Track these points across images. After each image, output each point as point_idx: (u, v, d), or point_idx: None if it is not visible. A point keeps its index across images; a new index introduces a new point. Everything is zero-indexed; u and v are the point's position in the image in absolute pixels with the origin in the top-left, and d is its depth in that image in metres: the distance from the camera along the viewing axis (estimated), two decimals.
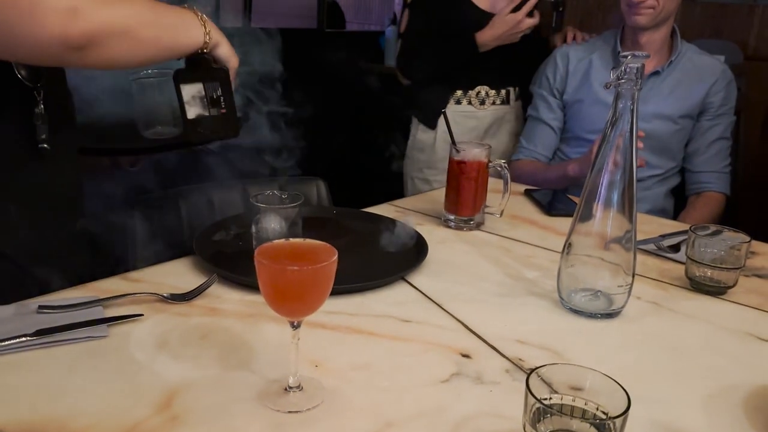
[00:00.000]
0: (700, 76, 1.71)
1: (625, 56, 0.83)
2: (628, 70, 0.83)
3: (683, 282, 1.03)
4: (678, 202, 1.80)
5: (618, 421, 0.54)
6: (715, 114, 1.71)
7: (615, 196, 0.87)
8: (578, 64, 1.79)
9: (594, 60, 1.77)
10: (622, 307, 0.91)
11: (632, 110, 0.84)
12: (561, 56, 1.82)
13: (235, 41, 0.92)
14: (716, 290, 1.00)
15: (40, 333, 0.75)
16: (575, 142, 1.79)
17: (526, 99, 1.97)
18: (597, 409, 0.59)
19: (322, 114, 3.06)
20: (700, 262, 1.00)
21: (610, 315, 0.91)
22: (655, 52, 1.67)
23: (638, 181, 0.88)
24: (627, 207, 0.87)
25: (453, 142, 1.23)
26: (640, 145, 1.39)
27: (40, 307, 0.82)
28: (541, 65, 1.88)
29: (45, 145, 0.89)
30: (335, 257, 0.65)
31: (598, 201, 0.88)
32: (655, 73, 1.69)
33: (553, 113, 1.83)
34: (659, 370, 0.80)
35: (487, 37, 1.78)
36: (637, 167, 0.87)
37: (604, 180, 0.87)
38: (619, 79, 0.84)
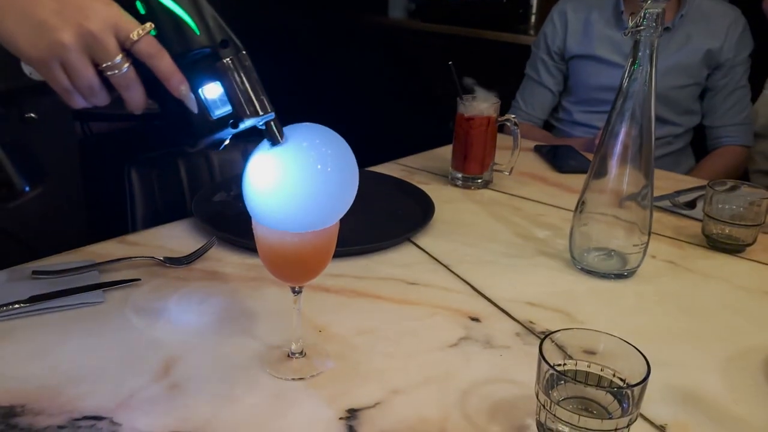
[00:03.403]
0: (711, 27, 1.62)
1: (645, 0, 0.78)
2: (647, 16, 0.77)
3: (700, 240, 1.00)
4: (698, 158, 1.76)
5: (636, 390, 0.52)
6: (731, 65, 1.64)
7: (631, 151, 0.83)
8: (577, 23, 1.71)
9: (594, 18, 1.68)
10: (637, 266, 0.88)
11: (651, 59, 0.79)
12: (558, 15, 1.74)
13: None
14: (734, 248, 0.96)
15: (34, 299, 0.73)
16: (579, 101, 1.74)
17: None
18: (614, 375, 0.56)
19: (323, 69, 3.00)
20: (718, 219, 0.96)
21: (624, 275, 0.88)
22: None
23: (656, 138, 0.84)
24: (644, 162, 0.83)
25: (460, 96, 1.18)
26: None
27: (34, 272, 0.79)
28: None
29: (32, 114, 0.85)
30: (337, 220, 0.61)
31: (614, 156, 0.84)
32: (665, 29, 1.61)
33: (553, 77, 1.77)
34: (675, 332, 0.77)
35: None
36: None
37: (620, 134, 0.83)
38: (637, 26, 0.78)
